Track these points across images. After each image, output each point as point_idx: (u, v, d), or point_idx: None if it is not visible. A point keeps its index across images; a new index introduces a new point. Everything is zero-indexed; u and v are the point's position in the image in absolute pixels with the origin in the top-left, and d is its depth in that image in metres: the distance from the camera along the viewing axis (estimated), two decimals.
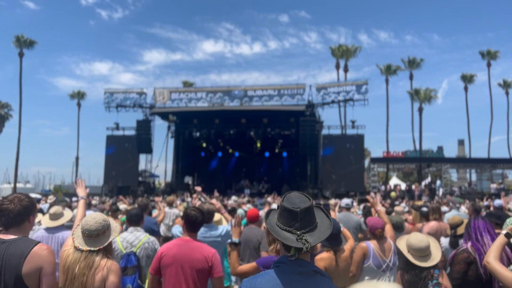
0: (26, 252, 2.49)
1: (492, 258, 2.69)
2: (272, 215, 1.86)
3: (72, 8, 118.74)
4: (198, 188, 7.03)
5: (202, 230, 4.32)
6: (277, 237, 1.71)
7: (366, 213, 7.63)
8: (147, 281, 4.08)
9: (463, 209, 11.07)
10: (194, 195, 7.48)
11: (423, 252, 3.21)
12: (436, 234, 5.65)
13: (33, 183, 62.84)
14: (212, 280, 3.39)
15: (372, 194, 7.34)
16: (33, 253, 2.50)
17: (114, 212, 8.21)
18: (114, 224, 2.86)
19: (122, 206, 9.56)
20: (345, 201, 7.92)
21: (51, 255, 2.59)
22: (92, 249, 2.63)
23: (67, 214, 5.10)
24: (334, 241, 3.44)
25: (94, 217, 2.74)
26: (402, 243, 3.41)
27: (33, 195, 21.93)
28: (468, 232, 3.79)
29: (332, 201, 10.97)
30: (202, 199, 7.22)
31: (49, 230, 4.84)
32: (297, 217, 1.67)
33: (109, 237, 2.75)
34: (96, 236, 2.68)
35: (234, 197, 13.88)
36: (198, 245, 3.47)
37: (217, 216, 5.41)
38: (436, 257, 3.25)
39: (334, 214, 7.85)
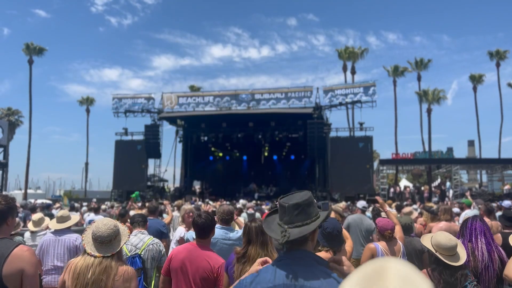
0: (6, 254, 2.45)
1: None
2: (275, 214, 1.96)
3: (82, 15, 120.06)
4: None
5: (221, 232, 4.27)
6: (265, 229, 1.85)
7: (375, 215, 7.57)
8: (152, 283, 4.09)
9: (476, 210, 10.88)
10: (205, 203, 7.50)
11: (452, 251, 3.15)
12: None
13: (44, 189, 63.70)
14: None
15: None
16: (14, 254, 2.46)
17: (122, 216, 8.20)
18: (123, 229, 2.87)
19: (132, 212, 9.56)
20: (362, 203, 7.93)
21: (33, 256, 2.55)
22: (106, 255, 2.63)
23: (74, 217, 5.22)
24: (334, 241, 3.41)
25: (105, 223, 2.74)
26: (427, 242, 3.31)
27: (43, 201, 22.16)
28: (463, 231, 3.77)
29: (341, 204, 10.88)
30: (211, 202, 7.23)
31: (56, 233, 4.92)
32: (285, 212, 1.78)
33: (120, 242, 2.75)
34: (108, 242, 2.68)
35: (242, 201, 13.83)
36: (207, 253, 3.43)
37: None
38: (463, 256, 3.19)
39: (338, 216, 7.82)
